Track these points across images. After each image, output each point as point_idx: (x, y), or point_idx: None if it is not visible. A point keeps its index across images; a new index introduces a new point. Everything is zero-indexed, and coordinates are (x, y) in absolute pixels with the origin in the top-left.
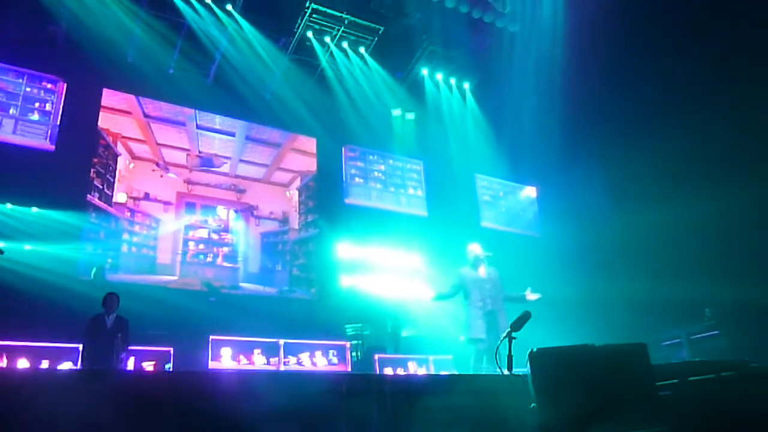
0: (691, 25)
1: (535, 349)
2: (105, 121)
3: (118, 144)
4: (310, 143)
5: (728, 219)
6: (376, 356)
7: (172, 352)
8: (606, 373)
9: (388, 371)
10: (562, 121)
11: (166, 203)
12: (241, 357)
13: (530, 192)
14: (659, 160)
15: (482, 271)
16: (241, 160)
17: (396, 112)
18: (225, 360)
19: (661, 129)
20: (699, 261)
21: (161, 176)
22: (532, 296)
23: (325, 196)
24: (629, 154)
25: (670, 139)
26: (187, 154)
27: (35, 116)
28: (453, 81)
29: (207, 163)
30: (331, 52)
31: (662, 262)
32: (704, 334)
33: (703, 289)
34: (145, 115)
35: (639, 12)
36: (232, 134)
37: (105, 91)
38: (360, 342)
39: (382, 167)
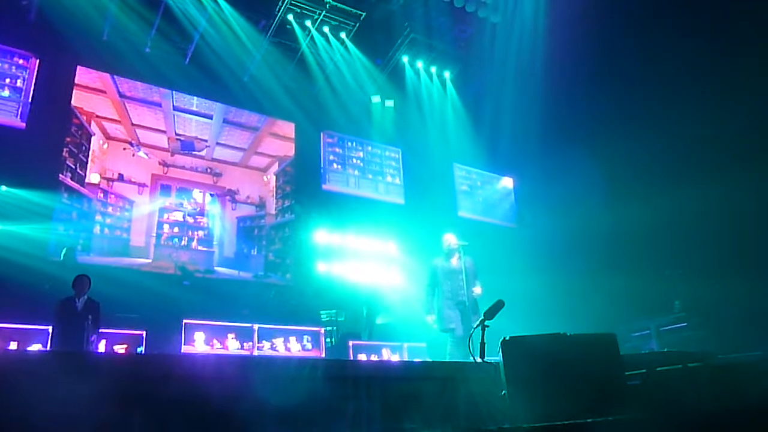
0: (678, 13)
1: (507, 338)
2: (78, 99)
3: (92, 123)
4: (288, 128)
5: (699, 216)
6: (351, 343)
7: (144, 335)
8: (576, 362)
9: (362, 358)
10: (541, 113)
11: (141, 185)
12: (215, 341)
13: (507, 183)
14: (633, 157)
15: (455, 261)
16: (218, 144)
17: (375, 99)
18: (198, 344)
19: (638, 126)
20: (670, 255)
21: (133, 155)
22: (477, 290)
23: (302, 182)
24: (606, 148)
25: (645, 137)
26: (168, 138)
27: (6, 92)
28: (434, 69)
29: (188, 146)
30: (312, 37)
31: (635, 255)
32: (673, 326)
33: (674, 282)
34: (120, 95)
35: (621, 6)
36: (210, 117)
37: (79, 69)
38: (334, 328)
39: (361, 154)
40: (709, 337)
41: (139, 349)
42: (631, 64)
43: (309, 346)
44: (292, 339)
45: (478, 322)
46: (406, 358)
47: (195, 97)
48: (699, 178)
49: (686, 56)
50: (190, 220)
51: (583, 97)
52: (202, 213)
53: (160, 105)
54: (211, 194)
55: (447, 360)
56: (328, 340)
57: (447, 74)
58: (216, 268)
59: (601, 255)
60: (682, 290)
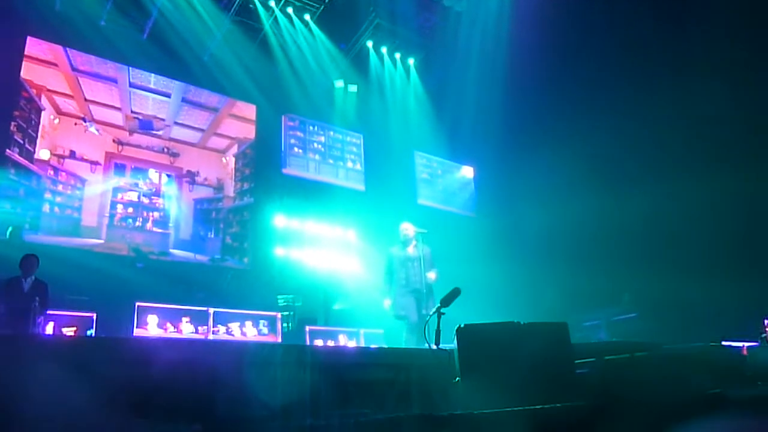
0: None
1: (462, 325)
2: (28, 71)
3: (42, 97)
4: (249, 110)
5: (651, 213)
6: (307, 328)
7: (94, 318)
8: (528, 350)
9: (319, 343)
10: (503, 104)
11: (94, 163)
12: (168, 325)
13: (467, 172)
14: (595, 151)
15: (411, 249)
16: (176, 123)
17: (339, 83)
18: (151, 328)
19: (599, 118)
20: (623, 249)
21: (84, 131)
22: (431, 275)
23: (262, 165)
24: (566, 142)
25: (609, 132)
26: (125, 116)
27: None
28: (398, 56)
29: (146, 125)
30: (275, 17)
31: (589, 248)
32: (622, 317)
33: (625, 275)
34: (74, 69)
35: None
36: (168, 95)
37: (29, 40)
38: (291, 313)
39: (322, 138)
40: (656, 329)
41: (89, 332)
42: (600, 56)
43: (265, 331)
44: (248, 324)
45: (434, 310)
46: (362, 345)
47: (152, 74)
48: (661, 175)
49: (665, 45)
50: (146, 200)
51: (546, 91)
52: (158, 194)
53: (115, 81)
54: (167, 175)
55: (403, 347)
56: (284, 325)
57: (411, 61)
58: (171, 251)
59: (558, 246)
60: (633, 283)
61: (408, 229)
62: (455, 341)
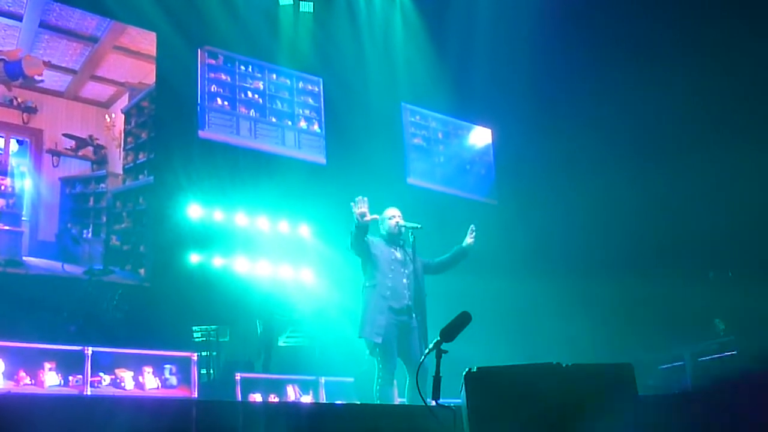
0: None
1: (474, 369)
2: None
3: None
4: (145, 40)
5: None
6: (238, 376)
7: None
8: (575, 405)
9: (256, 399)
10: (537, 31)
11: None
12: (23, 374)
13: (482, 136)
14: (674, 102)
15: (399, 252)
16: None
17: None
18: None
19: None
20: (717, 250)
21: None
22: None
23: (167, 125)
24: (637, 87)
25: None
26: None
27: None
28: None
29: (13, 70)
30: None
31: (666, 249)
32: (717, 356)
33: (718, 291)
34: None
35: None
36: (18, 17)
37: None
38: (213, 353)
39: (260, 85)
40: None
41: None
42: None
43: (173, 381)
44: (147, 370)
45: (431, 346)
46: (322, 400)
47: None
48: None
49: None
50: None
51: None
52: (3, 171)
53: None
54: (18, 141)
55: (376, 399)
56: (203, 371)
57: None
58: (25, 259)
59: (615, 249)
60: (730, 302)
61: (395, 216)
62: (463, 393)
